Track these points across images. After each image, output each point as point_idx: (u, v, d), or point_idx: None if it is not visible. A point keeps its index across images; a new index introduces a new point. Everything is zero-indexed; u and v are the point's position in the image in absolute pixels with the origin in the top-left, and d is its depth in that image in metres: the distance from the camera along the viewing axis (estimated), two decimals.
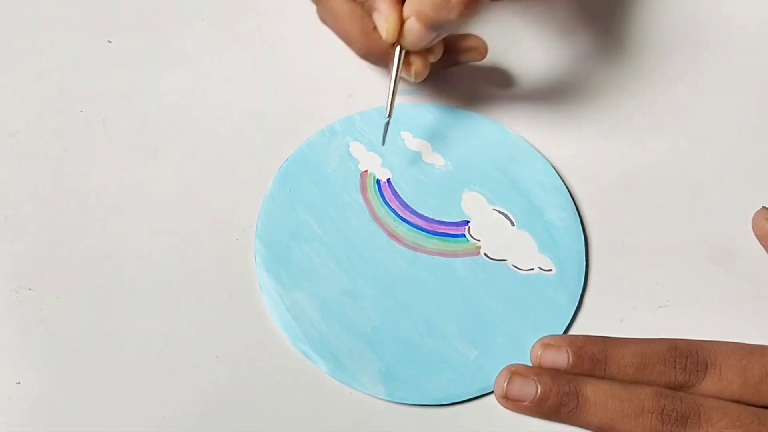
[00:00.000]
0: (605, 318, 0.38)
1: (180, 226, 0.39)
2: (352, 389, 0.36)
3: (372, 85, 0.43)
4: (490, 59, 0.41)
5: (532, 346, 0.36)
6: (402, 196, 0.40)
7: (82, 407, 0.35)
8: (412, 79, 0.39)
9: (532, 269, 0.39)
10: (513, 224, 0.40)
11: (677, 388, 0.34)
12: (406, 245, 0.39)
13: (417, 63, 0.38)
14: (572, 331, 0.38)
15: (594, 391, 0.34)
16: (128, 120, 0.41)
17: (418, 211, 0.40)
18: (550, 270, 0.39)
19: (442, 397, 0.36)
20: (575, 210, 0.40)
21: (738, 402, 0.34)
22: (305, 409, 0.35)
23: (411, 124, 0.42)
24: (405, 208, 0.40)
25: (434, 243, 0.39)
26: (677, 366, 0.34)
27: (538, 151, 0.41)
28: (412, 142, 0.41)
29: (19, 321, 0.36)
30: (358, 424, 0.35)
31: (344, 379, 0.36)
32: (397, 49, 0.38)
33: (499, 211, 0.40)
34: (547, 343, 0.35)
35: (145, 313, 0.37)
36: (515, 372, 0.35)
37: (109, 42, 0.43)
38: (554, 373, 0.34)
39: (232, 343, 0.36)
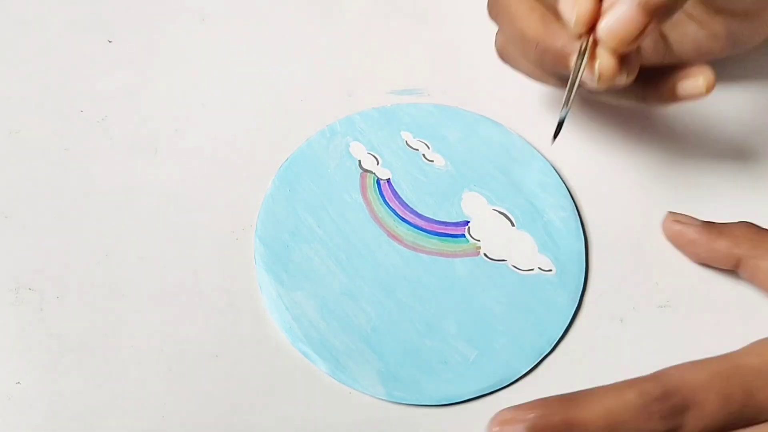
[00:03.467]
0: (605, 318, 0.38)
1: (180, 225, 0.39)
2: (352, 389, 0.36)
3: (372, 86, 0.43)
4: (491, 58, 0.41)
5: (489, 423, 0.31)
6: (402, 196, 0.40)
7: (82, 407, 0.35)
8: (595, 82, 0.33)
9: (532, 269, 0.39)
10: (513, 224, 0.40)
11: None
12: (406, 245, 0.39)
13: (604, 58, 0.32)
14: (572, 332, 0.38)
15: None
16: (128, 120, 0.41)
17: (418, 211, 0.40)
18: (550, 270, 0.39)
19: (442, 397, 0.36)
20: (575, 210, 0.40)
21: (723, 429, 0.32)
22: (305, 409, 0.35)
23: (411, 124, 0.42)
24: (405, 208, 0.40)
25: (434, 243, 0.39)
26: (653, 416, 0.30)
27: (538, 151, 0.41)
28: (413, 141, 0.41)
29: (19, 321, 0.36)
30: (357, 425, 0.35)
31: (344, 379, 0.36)
32: (585, 38, 0.32)
33: (499, 211, 0.40)
34: (503, 420, 0.31)
35: (145, 313, 0.37)
36: None
37: (109, 42, 0.43)
38: None
39: (232, 342, 0.36)
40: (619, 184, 0.41)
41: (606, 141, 0.42)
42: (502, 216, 0.40)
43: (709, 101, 0.43)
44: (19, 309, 0.37)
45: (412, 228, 0.39)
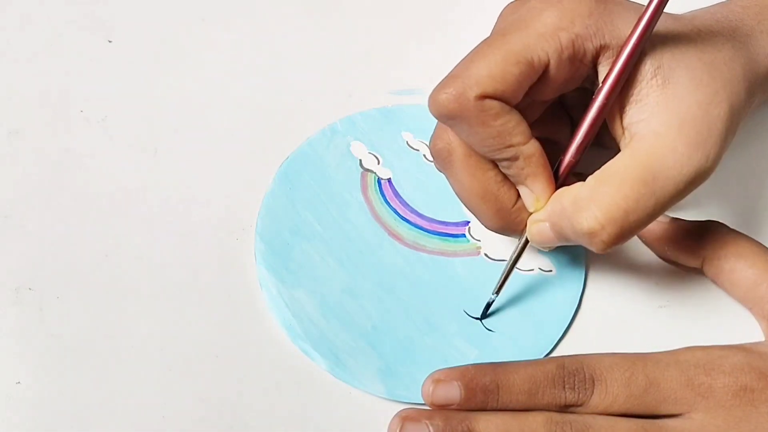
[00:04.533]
0: (605, 318, 0.38)
1: (180, 224, 0.39)
2: (352, 387, 0.36)
3: (373, 86, 0.43)
4: None
5: (423, 383, 0.34)
6: (403, 196, 0.40)
7: (82, 407, 0.35)
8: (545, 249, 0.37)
9: (532, 270, 0.39)
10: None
11: (569, 408, 0.34)
12: (407, 244, 0.39)
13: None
14: (572, 332, 0.38)
15: (486, 427, 0.33)
16: (128, 120, 0.41)
17: (419, 211, 0.40)
18: (550, 271, 0.39)
19: None
20: None
21: (627, 414, 0.34)
22: (305, 407, 0.35)
23: (412, 124, 0.42)
24: (405, 208, 0.40)
25: (434, 242, 0.39)
26: (566, 386, 0.34)
27: None
28: (413, 141, 0.41)
29: (19, 321, 0.36)
30: (357, 422, 0.35)
31: (344, 377, 0.36)
32: (524, 237, 0.36)
33: None
34: (437, 378, 0.34)
35: (145, 313, 0.37)
36: (407, 417, 0.34)
37: (109, 42, 0.43)
38: (446, 414, 0.34)
39: (232, 340, 0.36)
40: None
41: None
42: None
43: None
44: (19, 309, 0.37)
45: (412, 227, 0.39)
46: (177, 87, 0.42)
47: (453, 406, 0.34)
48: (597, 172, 0.33)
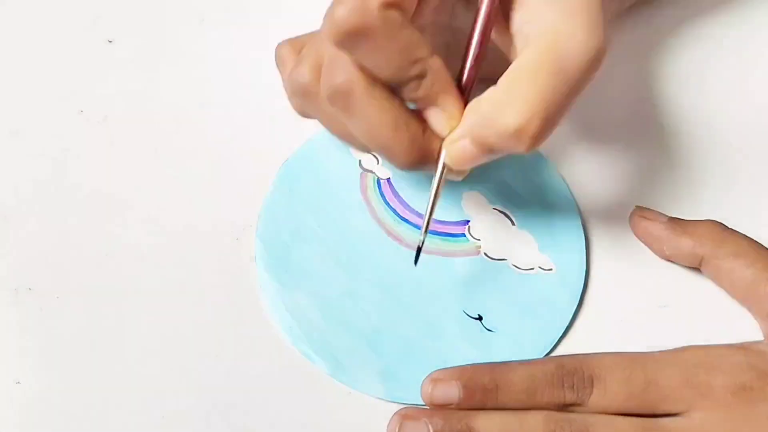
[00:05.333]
0: (605, 318, 0.38)
1: (180, 225, 0.39)
2: (352, 389, 0.36)
3: None
4: None
5: (422, 382, 0.35)
6: (402, 196, 0.40)
7: (82, 407, 0.35)
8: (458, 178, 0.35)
9: (533, 269, 0.39)
10: (513, 224, 0.40)
11: (568, 407, 0.34)
12: (407, 245, 0.39)
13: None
14: (572, 332, 0.38)
15: (485, 425, 0.33)
16: (128, 120, 0.41)
17: (419, 211, 0.40)
18: (551, 270, 0.39)
19: None
20: (575, 210, 0.40)
21: (626, 413, 0.34)
22: (305, 409, 0.35)
23: None
24: (405, 208, 0.40)
25: (434, 242, 0.39)
26: (565, 385, 0.34)
27: (539, 151, 0.41)
28: None
29: (19, 321, 0.36)
30: (357, 424, 0.35)
31: (344, 379, 0.36)
32: (441, 164, 0.33)
33: (500, 211, 0.40)
34: (436, 378, 0.34)
35: (145, 313, 0.37)
36: (406, 416, 0.34)
37: (109, 42, 0.43)
38: (445, 412, 0.34)
39: (232, 343, 0.36)
40: (619, 184, 0.41)
41: (607, 141, 0.42)
42: (502, 215, 0.40)
43: (710, 102, 0.43)
44: (19, 309, 0.37)
45: (412, 227, 0.39)
46: (177, 87, 0.42)
47: (452, 406, 0.34)
48: (505, 74, 0.32)
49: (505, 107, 0.31)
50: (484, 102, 0.32)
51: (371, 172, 0.40)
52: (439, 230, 0.39)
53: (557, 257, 0.39)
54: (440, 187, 0.34)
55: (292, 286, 0.37)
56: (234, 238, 0.39)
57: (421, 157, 0.33)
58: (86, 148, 0.40)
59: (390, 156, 0.33)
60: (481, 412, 0.34)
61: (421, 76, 0.32)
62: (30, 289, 0.37)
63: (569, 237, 0.39)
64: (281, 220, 0.39)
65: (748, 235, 0.38)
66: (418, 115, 0.33)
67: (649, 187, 0.41)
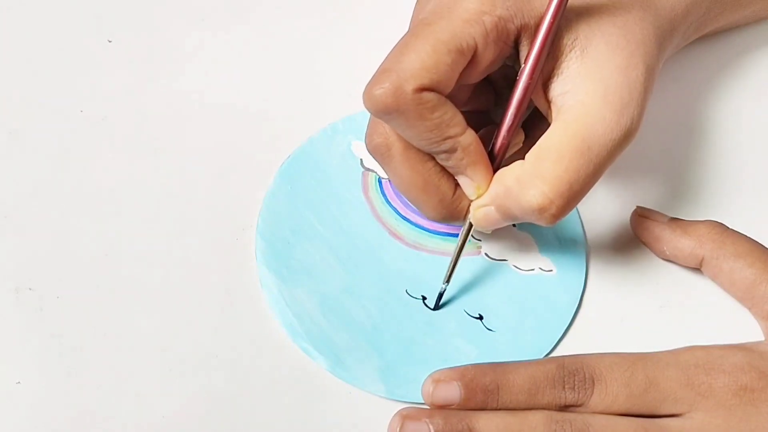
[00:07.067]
0: (605, 318, 0.38)
1: (181, 223, 0.39)
2: (352, 386, 0.36)
3: None
4: None
5: (423, 383, 0.35)
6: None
7: (82, 407, 0.35)
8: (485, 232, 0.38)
9: (533, 270, 0.39)
10: (514, 225, 0.40)
11: (569, 407, 0.34)
12: (407, 244, 0.39)
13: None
14: (572, 332, 0.38)
15: (486, 425, 0.33)
16: (128, 120, 0.41)
17: None
18: (551, 271, 0.39)
19: None
20: (576, 211, 0.40)
21: (627, 414, 0.34)
22: (305, 406, 0.35)
23: None
24: (406, 207, 0.40)
25: (435, 242, 0.39)
26: (566, 386, 0.34)
27: None
28: None
29: (19, 321, 0.36)
30: (357, 422, 0.35)
31: (344, 376, 0.36)
32: (468, 223, 0.36)
33: None
34: (438, 378, 0.34)
35: (145, 312, 0.37)
36: (407, 416, 0.34)
37: (109, 42, 0.43)
38: (446, 412, 0.34)
39: (233, 340, 0.36)
40: (619, 184, 0.41)
41: None
42: None
43: (710, 103, 0.44)
44: (19, 309, 0.36)
45: (413, 227, 0.39)
46: (177, 87, 0.42)
47: (453, 406, 0.34)
48: (534, 149, 0.34)
49: (528, 185, 0.33)
50: (508, 177, 0.34)
51: (373, 171, 0.40)
52: (441, 230, 0.39)
53: (557, 259, 0.39)
54: (464, 243, 0.36)
55: (293, 283, 0.37)
56: (234, 237, 0.39)
57: (448, 216, 0.36)
58: (86, 148, 0.40)
59: (420, 210, 0.36)
60: (482, 412, 0.34)
61: (451, 151, 0.34)
62: (30, 289, 0.37)
63: (569, 239, 0.39)
64: (282, 217, 0.39)
65: (748, 236, 0.38)
66: (451, 176, 0.35)
67: (649, 187, 0.41)
